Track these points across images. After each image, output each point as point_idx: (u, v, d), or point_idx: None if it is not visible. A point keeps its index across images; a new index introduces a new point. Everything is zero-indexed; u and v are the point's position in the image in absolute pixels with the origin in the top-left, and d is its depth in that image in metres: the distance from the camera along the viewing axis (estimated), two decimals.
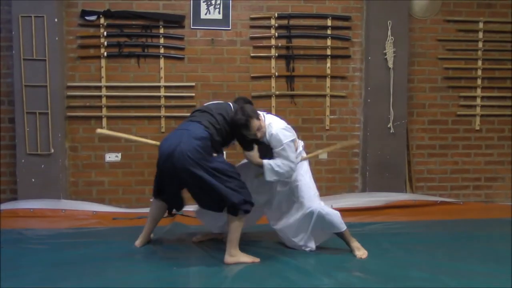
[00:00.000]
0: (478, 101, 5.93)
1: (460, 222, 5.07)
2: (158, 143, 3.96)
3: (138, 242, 4.10)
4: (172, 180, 3.74)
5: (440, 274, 3.41)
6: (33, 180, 5.27)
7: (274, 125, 3.80)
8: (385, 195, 5.55)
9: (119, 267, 3.61)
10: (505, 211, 5.36)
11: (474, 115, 5.92)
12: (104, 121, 5.49)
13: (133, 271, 3.52)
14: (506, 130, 5.99)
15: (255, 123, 3.67)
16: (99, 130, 4.29)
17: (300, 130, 5.71)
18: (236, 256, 3.69)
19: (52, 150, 5.28)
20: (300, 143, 4.08)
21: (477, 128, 5.93)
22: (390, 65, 5.57)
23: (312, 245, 3.95)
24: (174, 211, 5.06)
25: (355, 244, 3.91)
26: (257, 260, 3.71)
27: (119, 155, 5.56)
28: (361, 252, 3.86)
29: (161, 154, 3.71)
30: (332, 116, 5.77)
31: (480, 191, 5.99)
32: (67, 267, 3.60)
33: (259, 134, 3.72)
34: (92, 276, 3.41)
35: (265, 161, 3.76)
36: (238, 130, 3.74)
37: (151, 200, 4.19)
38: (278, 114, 5.59)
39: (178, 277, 3.40)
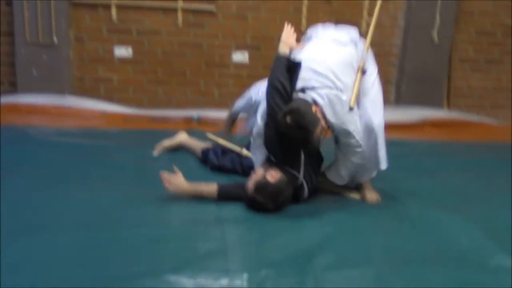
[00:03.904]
0: None
1: (495, 145, 4.65)
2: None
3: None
4: None
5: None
6: (34, 72, 4.76)
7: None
8: (420, 110, 5.10)
9: (137, 175, 3.18)
10: None
11: None
12: (114, 10, 4.84)
13: (150, 179, 2.99)
14: None
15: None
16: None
17: None
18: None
19: (55, 40, 4.71)
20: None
21: None
22: None
23: None
24: (191, 117, 4.70)
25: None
26: None
27: (130, 49, 4.99)
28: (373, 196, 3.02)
29: None
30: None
31: None
32: (76, 171, 3.18)
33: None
34: (103, 184, 2.99)
35: None
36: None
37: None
38: (310, 14, 5.03)
39: None
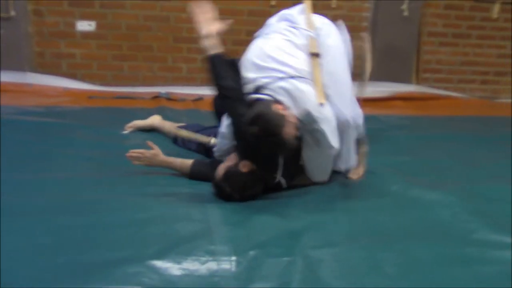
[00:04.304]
0: None
1: (465, 118, 4.70)
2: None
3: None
4: None
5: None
6: None
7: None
8: (389, 85, 5.11)
9: (107, 154, 3.04)
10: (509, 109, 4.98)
11: (494, 1, 5.30)
12: None
13: (121, 159, 2.78)
14: None
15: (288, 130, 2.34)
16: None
17: None
18: None
19: (13, 13, 4.44)
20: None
21: (495, 16, 5.35)
22: None
23: None
24: (159, 93, 4.55)
25: None
26: None
27: (93, 23, 4.76)
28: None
29: None
30: None
31: (487, 86, 5.56)
32: (42, 152, 3.02)
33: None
34: (72, 164, 2.85)
35: None
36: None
37: None
38: None
39: None
